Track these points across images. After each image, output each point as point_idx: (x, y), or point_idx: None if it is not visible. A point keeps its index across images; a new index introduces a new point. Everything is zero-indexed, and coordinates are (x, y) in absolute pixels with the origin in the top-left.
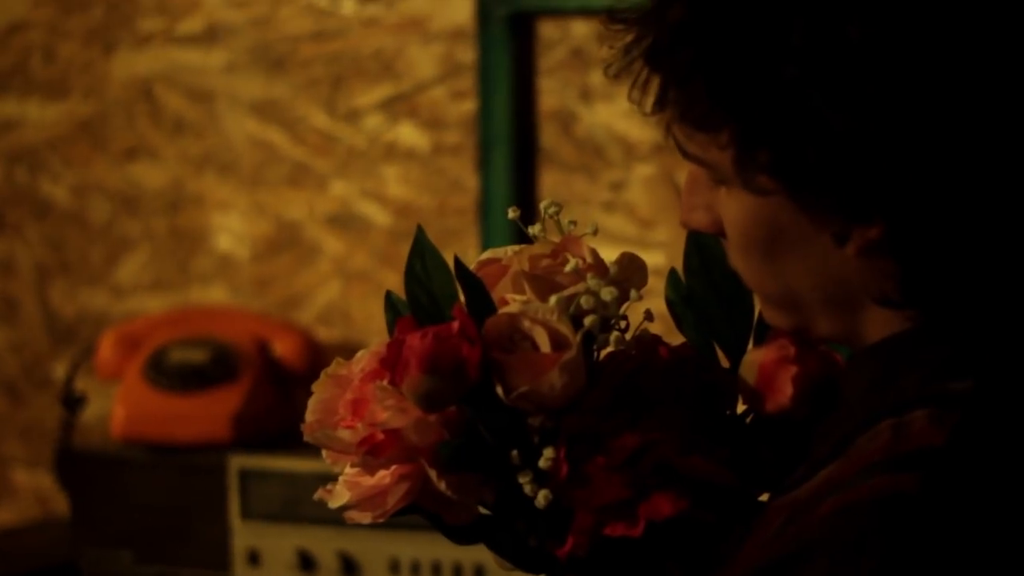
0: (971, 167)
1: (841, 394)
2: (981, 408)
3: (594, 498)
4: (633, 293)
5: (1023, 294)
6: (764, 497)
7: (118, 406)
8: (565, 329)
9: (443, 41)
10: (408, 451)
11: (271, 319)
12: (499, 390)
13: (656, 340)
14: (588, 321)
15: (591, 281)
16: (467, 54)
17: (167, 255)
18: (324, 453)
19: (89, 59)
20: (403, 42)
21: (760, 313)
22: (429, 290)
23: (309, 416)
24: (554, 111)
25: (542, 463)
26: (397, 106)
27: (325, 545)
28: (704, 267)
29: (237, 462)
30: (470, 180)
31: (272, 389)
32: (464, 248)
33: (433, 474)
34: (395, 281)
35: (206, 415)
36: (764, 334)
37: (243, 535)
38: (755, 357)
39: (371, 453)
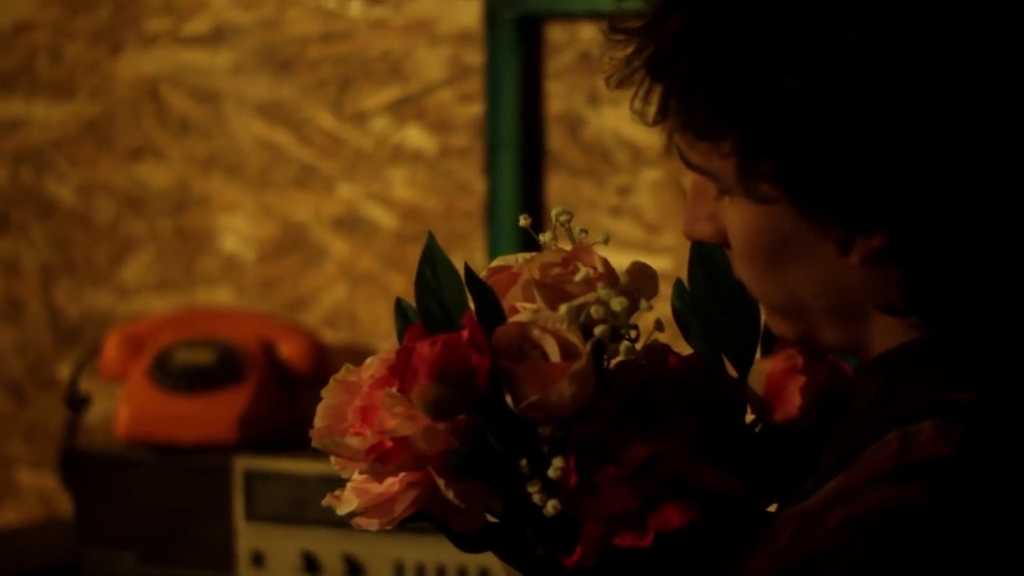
0: (973, 174)
1: (849, 404)
2: (987, 418)
3: (603, 508)
4: (643, 303)
5: None
6: (772, 508)
7: (123, 407)
8: (575, 338)
9: (451, 44)
10: (416, 459)
11: (277, 321)
12: (508, 399)
13: (666, 350)
14: (598, 331)
15: (601, 291)
16: (475, 57)
17: (172, 256)
18: (332, 459)
19: (95, 59)
20: (411, 44)
21: (766, 323)
22: (439, 298)
23: (318, 422)
24: (562, 115)
25: (551, 472)
26: (404, 108)
27: (330, 547)
28: (709, 277)
29: (242, 464)
30: (477, 183)
31: (277, 391)
32: (471, 252)
33: (441, 482)
34: (401, 284)
35: (211, 416)
36: (771, 344)
37: (247, 537)
38: (763, 367)
39: (380, 460)
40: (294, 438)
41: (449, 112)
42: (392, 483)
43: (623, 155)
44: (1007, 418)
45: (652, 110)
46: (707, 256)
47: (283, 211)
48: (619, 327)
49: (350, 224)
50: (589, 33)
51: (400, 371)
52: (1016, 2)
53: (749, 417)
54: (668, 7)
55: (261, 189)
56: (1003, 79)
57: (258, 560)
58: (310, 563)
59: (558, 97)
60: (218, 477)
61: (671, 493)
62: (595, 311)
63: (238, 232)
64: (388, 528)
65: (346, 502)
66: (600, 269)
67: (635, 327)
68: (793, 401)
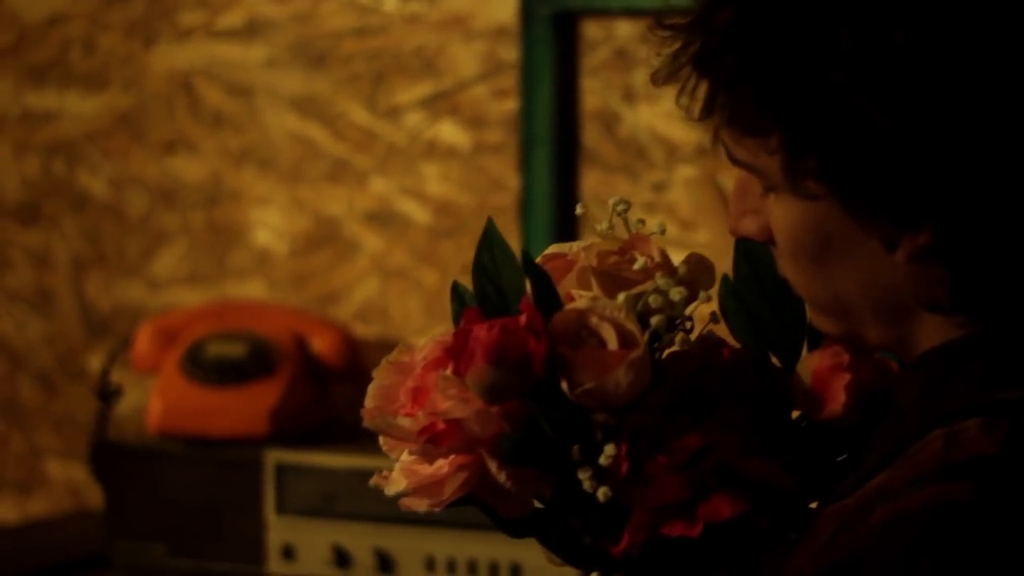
0: (1019, 171)
1: (895, 403)
2: None
3: (654, 497)
4: (702, 294)
5: None
6: (813, 505)
7: (154, 399)
8: (633, 327)
9: (486, 39)
10: (468, 441)
11: (309, 315)
12: (564, 385)
13: (721, 342)
14: (655, 320)
15: (660, 280)
16: (510, 53)
17: (205, 249)
18: (381, 439)
19: (129, 52)
20: (445, 39)
21: (811, 320)
22: (497, 282)
23: (369, 402)
24: (597, 111)
25: (603, 460)
26: (438, 104)
27: (361, 541)
28: (754, 274)
29: (273, 457)
30: (511, 179)
31: (309, 384)
32: None
33: (493, 465)
34: (433, 279)
35: (243, 409)
36: (817, 341)
37: (278, 530)
38: (809, 364)
39: (431, 442)
40: (325, 432)
41: (483, 108)
42: (442, 465)
43: (658, 152)
44: None
45: (698, 106)
46: (752, 252)
47: (316, 205)
48: (675, 317)
49: (383, 219)
50: (625, 30)
51: (456, 353)
52: None
53: (794, 414)
54: (716, 3)
55: (294, 183)
56: None
57: (289, 553)
58: (341, 557)
59: (593, 93)
60: (249, 470)
61: (721, 484)
62: (653, 300)
63: (270, 226)
64: (436, 510)
65: (394, 482)
66: (658, 259)
67: (690, 318)
68: (838, 398)
